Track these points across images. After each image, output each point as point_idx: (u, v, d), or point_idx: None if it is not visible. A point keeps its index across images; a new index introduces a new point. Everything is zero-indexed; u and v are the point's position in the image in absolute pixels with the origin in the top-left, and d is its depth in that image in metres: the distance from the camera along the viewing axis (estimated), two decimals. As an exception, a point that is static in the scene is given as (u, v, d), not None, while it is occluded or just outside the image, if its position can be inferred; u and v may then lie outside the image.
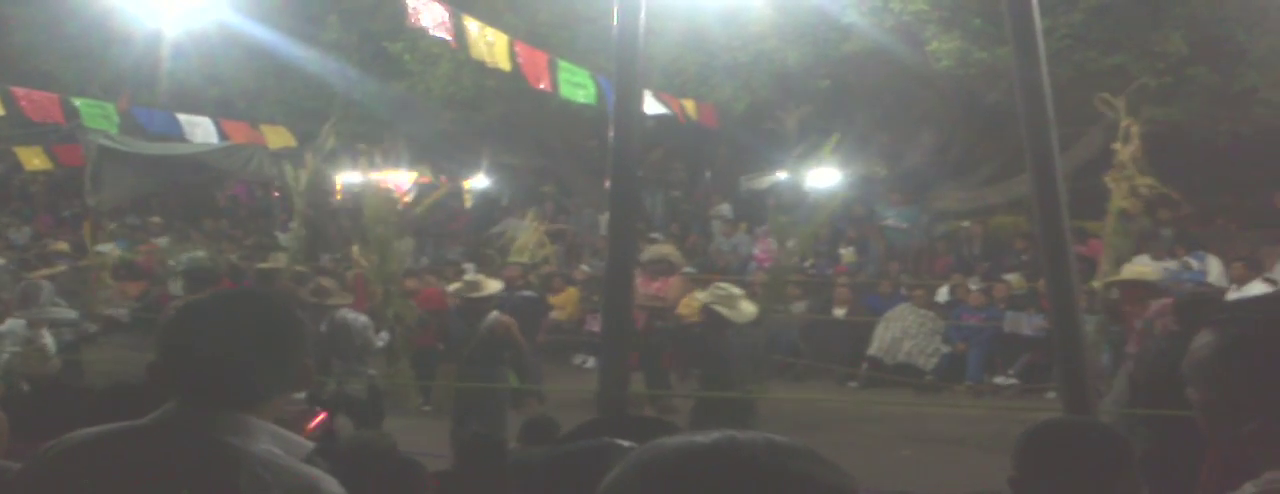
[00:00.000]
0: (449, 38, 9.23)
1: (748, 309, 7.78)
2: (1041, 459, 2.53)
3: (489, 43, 9.69)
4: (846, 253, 15.12)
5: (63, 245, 16.81)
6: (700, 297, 8.36)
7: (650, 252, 11.37)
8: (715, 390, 7.65)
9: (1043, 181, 4.01)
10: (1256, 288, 10.87)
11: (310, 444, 2.11)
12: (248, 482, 1.92)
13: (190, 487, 1.93)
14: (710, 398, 7.77)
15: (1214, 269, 12.97)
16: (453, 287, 9.72)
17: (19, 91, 11.60)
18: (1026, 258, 13.69)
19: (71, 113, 12.11)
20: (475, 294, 8.73)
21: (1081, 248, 12.85)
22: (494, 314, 8.71)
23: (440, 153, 18.00)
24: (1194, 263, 13.18)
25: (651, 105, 11.73)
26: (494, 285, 9.04)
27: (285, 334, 2.11)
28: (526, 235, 12.40)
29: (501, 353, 8.69)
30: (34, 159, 15.96)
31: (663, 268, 11.14)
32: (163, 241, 18.04)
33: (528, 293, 12.28)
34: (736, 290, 7.96)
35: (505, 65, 9.88)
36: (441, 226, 19.14)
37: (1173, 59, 12.21)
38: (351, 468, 4.84)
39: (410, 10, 8.76)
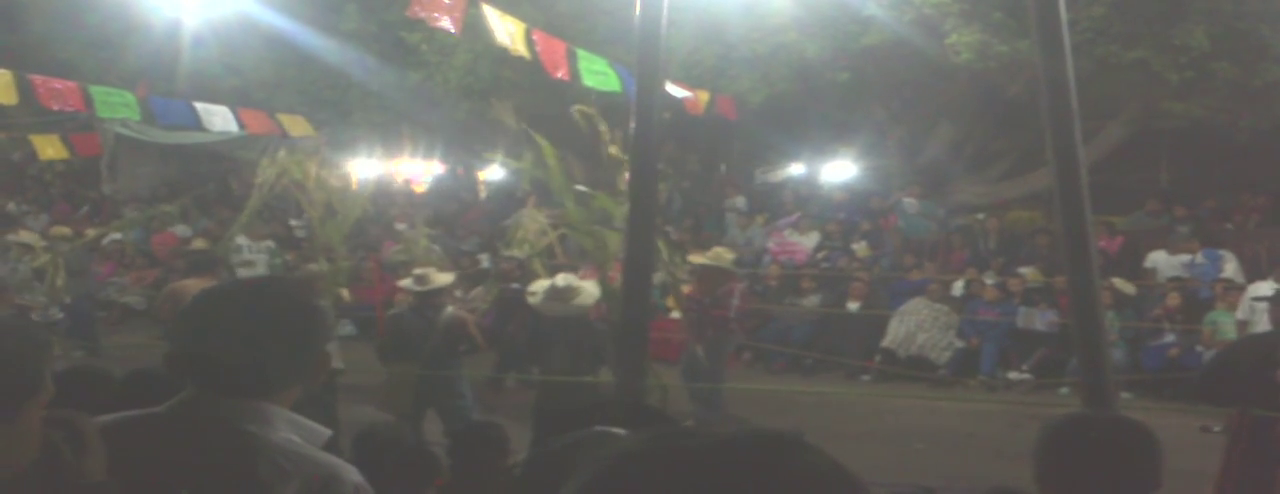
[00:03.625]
0: (453, 28, 9.13)
1: (575, 302, 8.50)
2: (1064, 453, 2.51)
3: (509, 32, 9.65)
4: (860, 247, 15.08)
5: (64, 229, 16.91)
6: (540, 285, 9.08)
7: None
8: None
9: (1065, 175, 3.98)
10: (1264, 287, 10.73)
11: (328, 431, 2.10)
12: (266, 469, 1.92)
13: (209, 474, 1.92)
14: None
15: (1230, 266, 12.90)
16: (403, 282, 9.64)
17: (37, 80, 11.61)
18: (1045, 252, 13.62)
19: (91, 101, 12.13)
20: (424, 287, 8.66)
21: (1104, 241, 12.82)
22: (449, 310, 8.71)
23: (456, 143, 18.01)
24: (1202, 259, 13.12)
25: (672, 90, 11.65)
26: (443, 278, 8.97)
27: (303, 323, 2.10)
28: (527, 224, 12.30)
29: (457, 348, 8.70)
30: (48, 148, 16.01)
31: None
32: (180, 229, 18.12)
33: (516, 285, 12.20)
34: (567, 283, 8.64)
35: (526, 52, 9.84)
36: (455, 218, 19.16)
37: (1194, 53, 12.12)
38: (365, 457, 4.85)
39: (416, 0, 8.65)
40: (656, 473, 1.01)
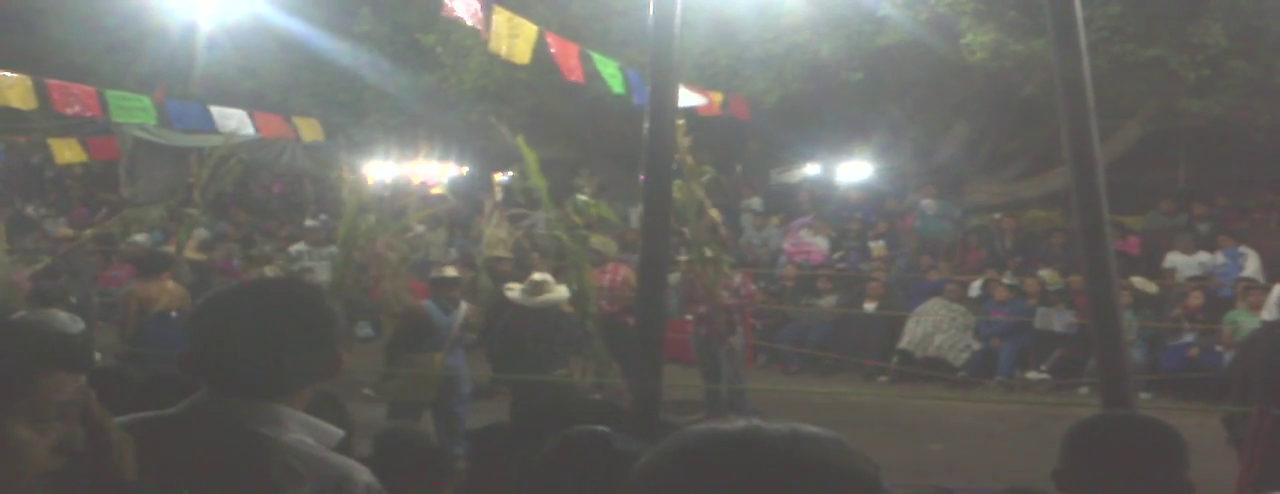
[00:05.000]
0: (481, 28, 9.25)
1: (543, 298, 8.85)
2: (1089, 453, 2.48)
3: (514, 36, 9.66)
4: (876, 246, 15.02)
5: (67, 230, 16.96)
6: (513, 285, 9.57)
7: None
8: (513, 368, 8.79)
9: (1082, 174, 3.93)
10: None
11: (341, 432, 2.10)
12: (280, 471, 1.92)
13: (222, 476, 1.92)
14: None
15: (1252, 264, 12.81)
16: (434, 274, 10.04)
17: (54, 84, 11.69)
18: (1061, 252, 13.56)
19: (106, 105, 12.21)
20: (440, 276, 9.14)
21: (1120, 242, 12.75)
22: (465, 304, 9.13)
23: (471, 145, 18.04)
24: (1222, 258, 13.04)
25: (685, 97, 11.75)
26: (452, 271, 9.45)
27: (314, 323, 2.09)
28: (492, 233, 12.52)
29: (467, 336, 9.34)
30: (66, 151, 16.10)
31: (597, 259, 11.54)
32: (201, 233, 18.17)
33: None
34: (542, 278, 9.07)
35: (525, 59, 9.86)
36: (471, 218, 19.18)
37: (1211, 51, 12.05)
38: (380, 457, 4.85)
39: (446, 3, 8.79)
40: (690, 465, 1.10)
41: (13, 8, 17.84)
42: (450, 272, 9.32)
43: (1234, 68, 12.26)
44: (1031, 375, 12.45)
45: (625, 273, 11.50)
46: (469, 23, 9.13)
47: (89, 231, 16.12)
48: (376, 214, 11.72)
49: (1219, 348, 11.44)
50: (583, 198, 11.14)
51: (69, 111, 11.97)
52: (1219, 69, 12.27)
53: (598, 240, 11.62)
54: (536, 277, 9.22)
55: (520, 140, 11.38)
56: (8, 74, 11.27)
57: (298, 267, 14.54)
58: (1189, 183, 16.22)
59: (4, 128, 17.26)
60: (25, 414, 1.63)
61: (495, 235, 11.96)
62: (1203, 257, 13.18)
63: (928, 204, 15.31)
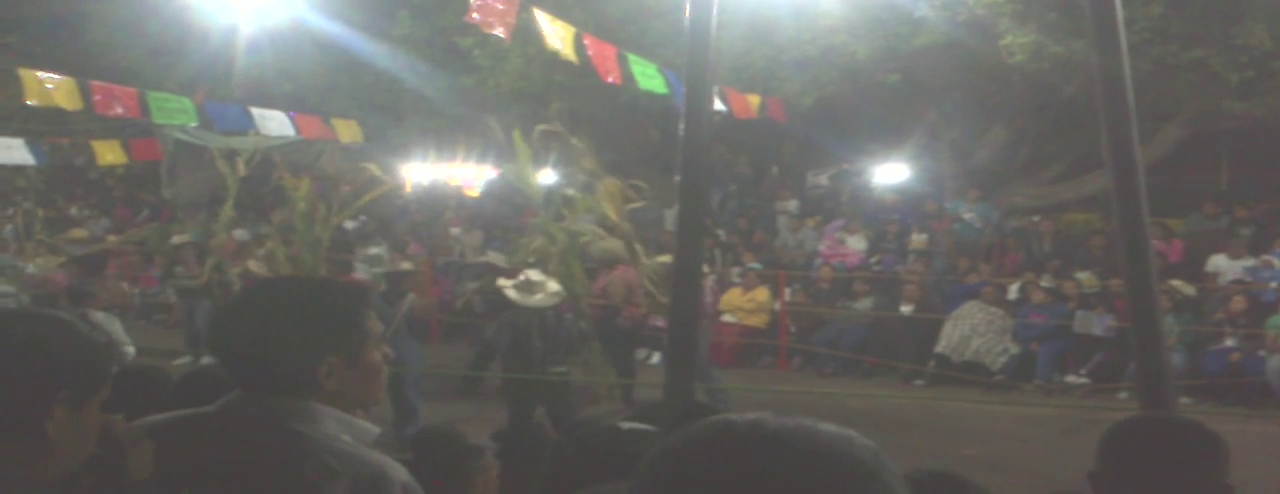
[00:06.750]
0: (505, 35, 9.22)
1: (539, 296, 9.14)
2: (1126, 454, 2.45)
3: (560, 37, 9.70)
4: (918, 239, 14.89)
5: (81, 232, 17.20)
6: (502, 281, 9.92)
7: (596, 247, 12.08)
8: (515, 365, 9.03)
9: (1123, 177, 3.91)
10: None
11: (376, 429, 2.11)
12: (314, 468, 1.92)
13: (258, 473, 1.93)
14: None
15: (1298, 267, 12.63)
16: (374, 270, 10.97)
17: (97, 86, 11.84)
18: (1100, 255, 13.42)
19: (147, 107, 12.36)
20: (396, 270, 10.02)
21: (1161, 245, 12.60)
22: (411, 295, 9.82)
23: (509, 148, 18.10)
24: (1276, 261, 12.85)
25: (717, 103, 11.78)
26: (407, 265, 10.31)
27: (337, 320, 2.09)
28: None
29: (412, 328, 9.97)
30: (109, 153, 16.31)
31: (609, 261, 11.64)
32: (240, 233, 18.33)
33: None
34: (538, 278, 9.34)
35: (575, 57, 9.92)
36: (509, 220, 19.24)
37: (1255, 52, 11.89)
38: (417, 453, 4.88)
39: (473, 5, 8.74)
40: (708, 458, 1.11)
41: (58, 12, 18.11)
42: (406, 265, 10.17)
43: (1277, 69, 12.09)
44: (1070, 379, 12.33)
45: (623, 274, 11.55)
46: (492, 32, 9.06)
47: (112, 238, 16.33)
48: (321, 213, 12.02)
49: (1262, 353, 11.29)
50: (571, 193, 11.46)
51: (111, 113, 12.12)
52: (1262, 70, 12.10)
53: (610, 244, 11.73)
54: (529, 275, 9.51)
55: (516, 136, 11.83)
56: (53, 76, 11.44)
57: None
58: (1231, 186, 16.02)
59: (48, 130, 17.50)
60: (100, 402, 1.84)
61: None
62: (1248, 260, 13.00)
63: (971, 218, 15.22)
